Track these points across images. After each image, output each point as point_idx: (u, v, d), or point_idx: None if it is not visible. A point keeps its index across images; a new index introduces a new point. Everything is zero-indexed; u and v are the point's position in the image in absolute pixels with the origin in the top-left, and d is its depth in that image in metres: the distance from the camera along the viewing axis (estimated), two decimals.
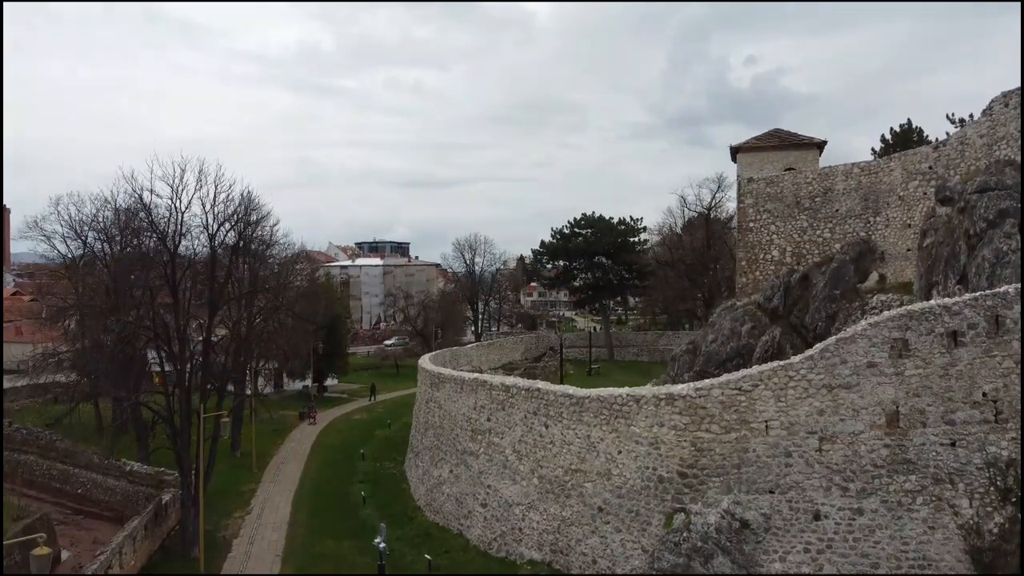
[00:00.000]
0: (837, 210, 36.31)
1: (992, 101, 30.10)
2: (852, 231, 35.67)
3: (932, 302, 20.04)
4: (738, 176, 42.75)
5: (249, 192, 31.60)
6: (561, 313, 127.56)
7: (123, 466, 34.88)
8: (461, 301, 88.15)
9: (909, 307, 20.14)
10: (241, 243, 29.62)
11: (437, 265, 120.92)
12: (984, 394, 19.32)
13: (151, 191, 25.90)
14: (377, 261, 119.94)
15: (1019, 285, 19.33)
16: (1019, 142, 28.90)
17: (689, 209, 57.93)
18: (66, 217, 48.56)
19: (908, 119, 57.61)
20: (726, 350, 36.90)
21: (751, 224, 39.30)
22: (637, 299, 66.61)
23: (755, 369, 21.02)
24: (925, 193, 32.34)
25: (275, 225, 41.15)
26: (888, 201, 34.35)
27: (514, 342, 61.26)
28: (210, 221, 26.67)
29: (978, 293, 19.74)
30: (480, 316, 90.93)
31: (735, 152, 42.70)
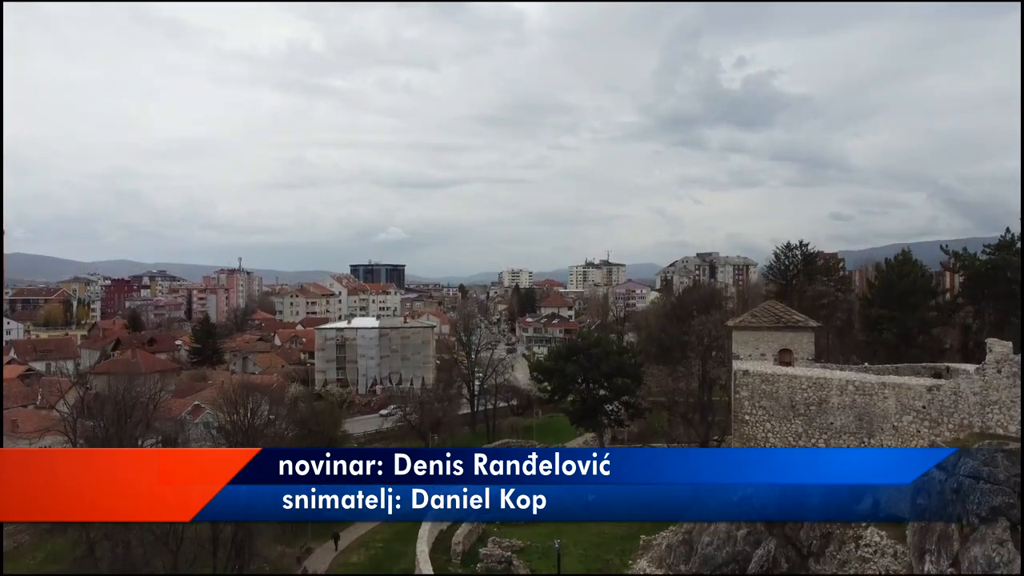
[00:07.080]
0: (832, 423, 36.55)
1: (985, 363, 30.47)
2: (847, 447, 35.94)
3: None
4: (734, 355, 43.03)
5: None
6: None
7: None
8: (458, 386, 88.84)
9: None
10: None
11: (432, 327, 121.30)
12: None
13: None
14: (374, 323, 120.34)
15: None
16: (1011, 411, 29.31)
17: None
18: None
19: (903, 249, 57.93)
20: (722, 555, 37.31)
21: (746, 417, 39.51)
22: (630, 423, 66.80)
23: None
24: (919, 431, 32.66)
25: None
26: (883, 427, 34.63)
27: None
28: None
29: None
30: (475, 396, 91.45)
31: (731, 329, 43.01)
